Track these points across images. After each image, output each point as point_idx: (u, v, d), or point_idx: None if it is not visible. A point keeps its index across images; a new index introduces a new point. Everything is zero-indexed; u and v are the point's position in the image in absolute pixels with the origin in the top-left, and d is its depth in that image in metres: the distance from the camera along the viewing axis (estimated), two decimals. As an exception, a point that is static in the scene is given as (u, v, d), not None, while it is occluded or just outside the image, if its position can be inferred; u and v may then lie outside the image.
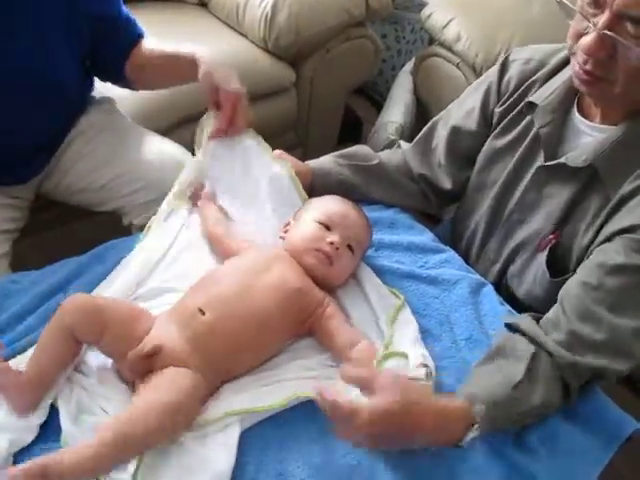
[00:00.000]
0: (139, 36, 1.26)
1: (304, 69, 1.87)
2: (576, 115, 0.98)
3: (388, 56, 2.59)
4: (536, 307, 1.00)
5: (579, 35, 0.86)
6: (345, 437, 0.76)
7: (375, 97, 2.63)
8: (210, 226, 1.02)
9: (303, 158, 1.21)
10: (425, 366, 0.86)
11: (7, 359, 0.80)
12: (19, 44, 1.10)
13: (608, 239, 0.89)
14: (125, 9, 1.26)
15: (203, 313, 0.83)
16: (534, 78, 1.04)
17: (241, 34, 1.87)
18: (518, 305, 1.03)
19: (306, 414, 0.81)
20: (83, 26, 1.17)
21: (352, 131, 2.37)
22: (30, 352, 0.81)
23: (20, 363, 0.80)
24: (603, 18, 0.81)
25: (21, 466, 0.67)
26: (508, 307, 1.02)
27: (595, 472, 0.85)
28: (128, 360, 0.78)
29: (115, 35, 1.22)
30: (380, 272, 1.04)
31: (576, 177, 0.95)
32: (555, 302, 0.91)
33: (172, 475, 0.73)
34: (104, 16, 1.20)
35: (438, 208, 1.25)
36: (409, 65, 2.03)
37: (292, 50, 1.80)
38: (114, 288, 0.92)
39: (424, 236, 1.15)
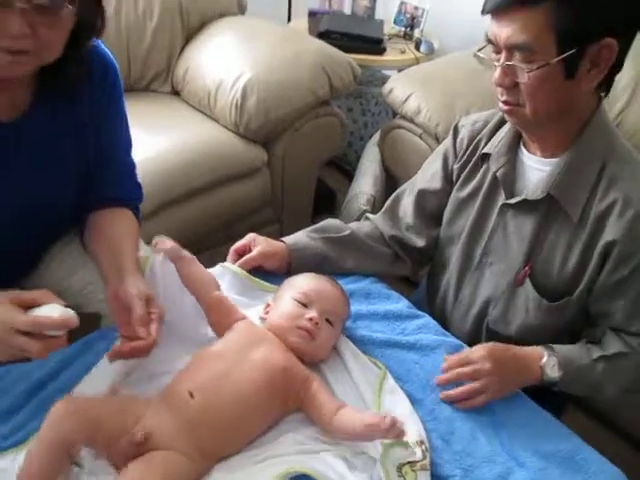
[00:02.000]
0: (119, 200, 1.19)
1: (275, 148, 1.94)
2: (524, 153, 1.09)
3: (355, 128, 2.71)
4: (529, 340, 1.08)
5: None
6: (478, 391, 0.98)
7: (346, 168, 2.73)
8: (212, 291, 1.01)
9: (280, 233, 1.26)
10: (422, 443, 0.89)
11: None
12: (36, 178, 1.09)
13: (603, 254, 1.01)
14: (132, 162, 1.24)
15: (192, 396, 0.86)
16: (481, 135, 1.17)
17: (213, 119, 1.95)
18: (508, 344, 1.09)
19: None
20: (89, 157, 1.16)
21: (326, 202, 2.45)
22: (24, 449, 0.82)
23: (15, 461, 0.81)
24: (502, 55, 0.97)
25: None
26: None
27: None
28: (119, 449, 0.79)
29: (105, 178, 1.18)
30: (360, 342, 1.07)
31: (537, 209, 1.06)
32: (548, 326, 1.07)
33: None
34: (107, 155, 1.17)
35: (412, 269, 1.30)
36: (375, 137, 2.12)
37: (263, 132, 1.88)
38: (104, 378, 0.93)
39: (400, 304, 1.19)
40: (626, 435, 1.50)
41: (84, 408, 0.81)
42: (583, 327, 1.11)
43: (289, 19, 2.89)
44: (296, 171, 2.02)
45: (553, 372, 1.03)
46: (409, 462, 0.86)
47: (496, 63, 0.98)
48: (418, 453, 0.87)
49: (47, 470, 0.77)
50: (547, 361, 1.03)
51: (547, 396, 1.05)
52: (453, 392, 1.00)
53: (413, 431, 0.90)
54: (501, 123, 1.15)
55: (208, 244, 1.86)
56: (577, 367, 1.03)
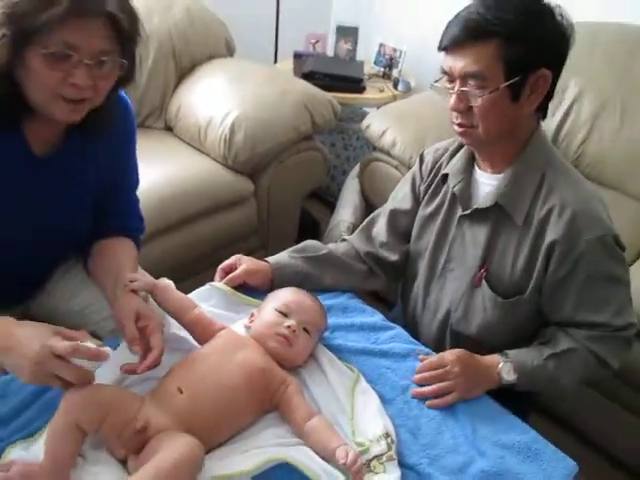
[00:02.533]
0: (123, 229, 1.29)
1: (261, 180, 2.07)
2: (477, 171, 1.23)
3: (338, 162, 2.85)
4: (489, 338, 1.22)
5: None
6: (437, 385, 1.10)
7: (329, 200, 2.85)
8: (191, 309, 1.11)
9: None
10: (387, 436, 0.99)
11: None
12: (59, 207, 1.19)
13: (547, 254, 1.13)
14: (137, 196, 1.35)
15: (181, 392, 0.95)
16: (442, 159, 1.31)
17: (204, 153, 2.07)
18: (471, 344, 1.20)
19: (282, 475, 0.92)
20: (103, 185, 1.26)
21: (311, 232, 2.56)
22: (39, 441, 0.91)
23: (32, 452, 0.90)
24: (457, 84, 1.11)
25: None
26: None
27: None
28: (122, 438, 0.88)
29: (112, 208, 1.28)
30: (337, 351, 1.17)
31: (488, 218, 1.19)
32: (504, 322, 1.20)
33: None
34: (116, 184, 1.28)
35: (386, 283, 1.41)
36: (355, 170, 2.26)
37: (249, 164, 2.00)
38: (104, 380, 1.02)
39: (374, 317, 1.30)
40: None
41: (94, 397, 0.90)
42: (538, 326, 1.22)
43: (275, 60, 3.04)
44: (281, 201, 2.14)
45: (509, 376, 1.14)
46: (375, 456, 0.96)
47: (451, 91, 1.12)
48: (383, 445, 0.97)
49: (68, 447, 0.87)
50: (503, 367, 1.14)
51: (511, 398, 1.16)
52: (425, 389, 1.10)
53: (380, 425, 1.00)
54: (458, 148, 1.29)
55: (198, 268, 1.95)
56: (530, 369, 1.14)
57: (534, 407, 1.38)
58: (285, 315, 1.10)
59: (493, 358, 1.16)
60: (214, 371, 1.00)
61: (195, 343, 1.11)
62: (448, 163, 1.28)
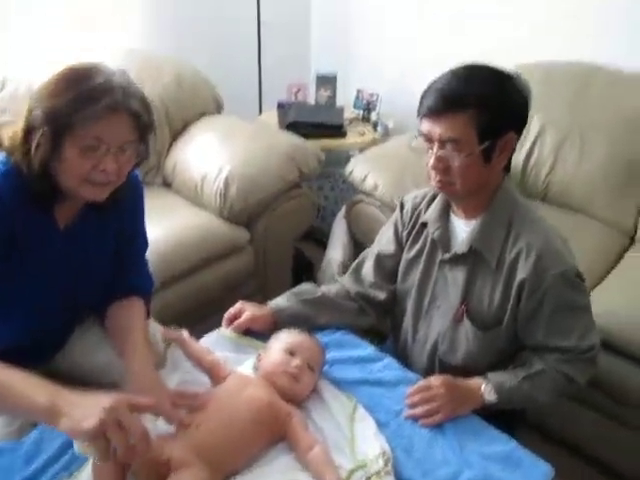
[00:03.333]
0: (134, 290, 1.41)
1: (256, 228, 2.22)
2: (453, 218, 1.38)
3: (327, 203, 3.02)
4: (473, 365, 1.36)
5: (427, 164, 1.29)
6: (426, 406, 1.23)
7: (320, 239, 3.00)
8: (206, 356, 1.29)
9: (266, 303, 1.51)
10: (384, 454, 1.13)
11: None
12: (82, 273, 1.32)
13: (518, 291, 1.28)
14: (145, 260, 1.48)
15: (198, 427, 1.09)
16: (420, 207, 1.46)
17: (201, 206, 2.21)
18: (458, 372, 1.34)
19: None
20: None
21: (306, 271, 2.71)
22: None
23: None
24: (435, 147, 1.25)
25: None
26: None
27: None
28: (148, 470, 1.02)
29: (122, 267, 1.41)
30: (336, 382, 1.31)
31: (466, 261, 1.34)
32: (486, 351, 1.34)
33: None
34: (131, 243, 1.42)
35: (377, 320, 1.56)
36: (342, 211, 2.42)
37: (244, 215, 2.16)
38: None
39: (367, 350, 1.44)
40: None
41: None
42: (516, 349, 1.37)
43: (260, 111, 3.23)
44: (275, 246, 2.29)
45: (490, 396, 1.29)
46: (375, 473, 1.09)
47: (431, 151, 1.26)
48: (380, 463, 1.11)
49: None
50: (485, 388, 1.29)
51: (497, 416, 1.30)
52: (416, 411, 1.24)
53: (377, 446, 1.15)
54: (434, 197, 1.44)
55: (201, 316, 2.07)
56: (508, 388, 1.29)
57: (521, 422, 1.53)
58: (291, 354, 1.25)
59: (475, 381, 1.31)
60: (226, 407, 1.14)
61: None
62: (426, 210, 1.43)
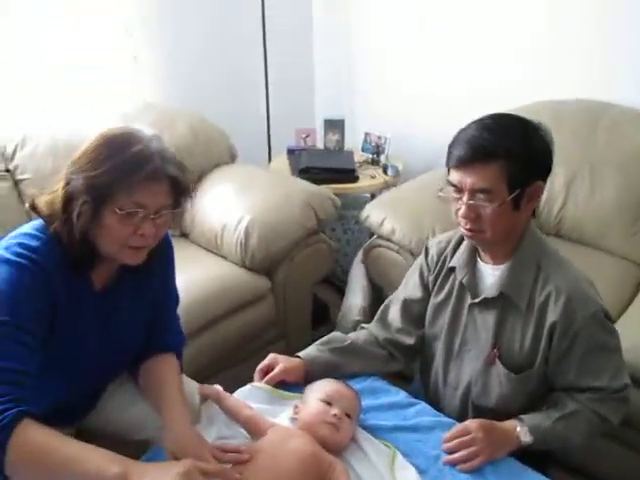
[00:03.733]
0: (166, 347, 1.43)
1: (276, 276, 2.24)
2: (480, 263, 1.41)
3: (339, 246, 3.05)
4: (506, 407, 1.38)
5: (456, 212, 1.32)
6: (465, 451, 1.25)
7: (335, 282, 3.05)
8: (243, 410, 1.30)
9: (286, 348, 1.53)
10: None
11: None
12: (118, 334, 1.35)
13: (549, 333, 1.31)
14: (177, 316, 1.50)
15: None
16: (446, 252, 1.49)
17: (221, 256, 2.25)
18: (491, 414, 1.36)
19: None
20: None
21: (321, 314, 2.73)
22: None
23: None
24: (465, 196, 1.28)
25: None
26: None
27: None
28: None
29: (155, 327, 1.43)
30: (371, 430, 1.33)
31: (495, 305, 1.37)
32: (519, 393, 1.36)
33: None
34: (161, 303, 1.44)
35: (405, 364, 1.58)
36: (359, 256, 2.45)
37: (265, 263, 2.18)
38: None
39: (399, 396, 1.46)
40: None
41: None
42: (546, 391, 1.38)
43: (269, 158, 3.29)
44: (295, 293, 2.31)
45: (526, 438, 1.30)
46: None
47: (459, 201, 1.29)
48: None
49: None
50: (520, 430, 1.30)
51: (530, 456, 1.32)
52: (456, 456, 1.26)
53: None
54: (460, 241, 1.47)
55: (226, 364, 2.11)
56: (543, 430, 1.31)
57: (552, 461, 1.53)
58: (329, 404, 1.27)
59: (511, 423, 1.32)
60: (272, 460, 1.16)
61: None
62: (453, 255, 1.46)
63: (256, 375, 1.46)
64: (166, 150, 1.22)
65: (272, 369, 1.45)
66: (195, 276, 2.11)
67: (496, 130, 1.27)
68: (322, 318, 2.72)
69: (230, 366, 2.13)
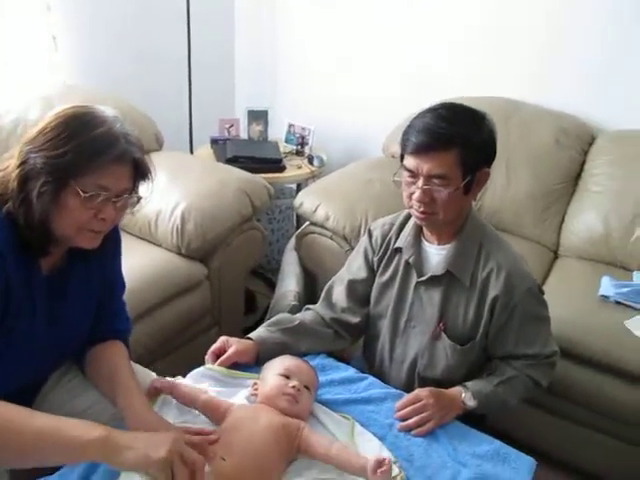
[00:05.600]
0: (115, 333, 1.40)
1: (212, 263, 2.23)
2: (425, 244, 1.50)
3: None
4: (450, 377, 1.48)
5: (410, 196, 1.40)
6: (417, 417, 1.33)
7: (259, 271, 3.09)
8: (201, 396, 1.31)
9: (219, 336, 1.51)
10: (396, 462, 1.22)
11: None
12: (67, 319, 1.30)
13: (491, 306, 1.41)
14: (123, 301, 1.48)
15: (224, 459, 1.13)
16: (390, 234, 1.57)
17: (155, 244, 2.20)
18: (436, 384, 1.45)
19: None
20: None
21: (248, 303, 2.75)
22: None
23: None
24: (420, 181, 1.35)
25: None
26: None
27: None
28: None
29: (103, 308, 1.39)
30: (327, 404, 1.38)
31: (441, 282, 1.46)
32: (463, 363, 1.46)
33: None
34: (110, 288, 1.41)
35: (351, 342, 1.65)
36: (291, 243, 2.50)
37: (202, 251, 2.17)
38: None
39: (348, 371, 1.52)
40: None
41: None
42: (484, 361, 1.50)
43: (191, 147, 3.25)
44: (230, 280, 2.31)
45: (471, 402, 1.41)
46: (393, 477, 1.18)
47: (413, 186, 1.36)
48: (396, 470, 1.20)
49: None
50: (465, 396, 1.42)
51: (468, 419, 1.42)
52: (410, 422, 1.34)
53: (387, 454, 1.23)
54: (404, 224, 1.56)
55: (162, 352, 2.08)
56: (485, 394, 1.42)
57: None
58: (287, 377, 1.31)
59: (457, 389, 1.43)
60: (247, 437, 1.18)
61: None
62: (397, 237, 1.55)
63: (208, 357, 1.47)
64: (130, 132, 1.20)
65: (224, 352, 1.47)
66: (130, 264, 1.99)
67: (452, 119, 1.34)
68: (249, 306, 2.74)
69: (165, 354, 2.11)
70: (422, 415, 1.35)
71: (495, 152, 1.41)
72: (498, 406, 1.47)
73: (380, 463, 1.14)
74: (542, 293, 1.48)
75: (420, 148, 1.34)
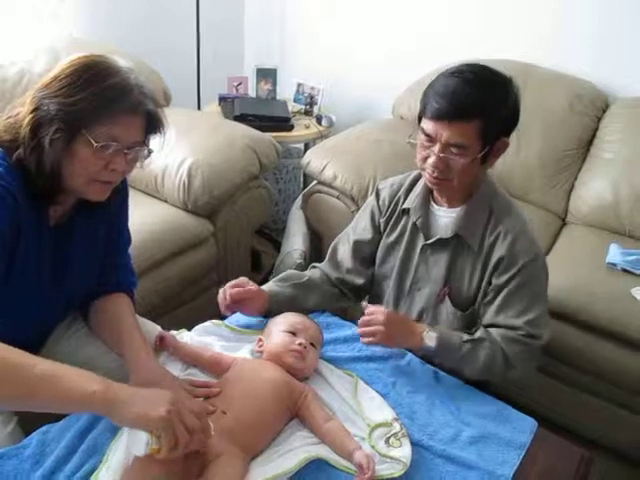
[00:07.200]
0: (120, 285, 1.40)
1: (218, 220, 2.23)
2: (434, 206, 1.48)
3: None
4: None
5: (424, 159, 1.36)
6: (369, 334, 1.33)
7: (264, 231, 3.08)
8: (206, 352, 1.32)
9: None
10: (397, 419, 1.22)
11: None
12: (74, 270, 1.30)
13: (494, 268, 1.38)
14: (129, 255, 1.46)
15: (225, 413, 1.13)
16: (399, 194, 1.54)
17: (162, 200, 2.20)
18: None
19: (315, 469, 1.12)
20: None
21: (255, 261, 2.76)
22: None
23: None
24: (437, 147, 1.31)
25: None
26: (428, 365, 1.42)
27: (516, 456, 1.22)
28: (186, 462, 1.03)
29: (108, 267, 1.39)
30: (332, 361, 1.39)
31: (448, 245, 1.44)
32: (463, 329, 1.41)
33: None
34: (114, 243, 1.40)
35: (355, 302, 1.64)
36: (298, 202, 2.49)
37: (208, 207, 2.16)
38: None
39: (352, 330, 1.51)
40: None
41: None
42: None
43: (199, 104, 3.22)
44: (236, 238, 2.31)
45: (430, 341, 1.36)
46: (393, 434, 1.19)
47: (430, 150, 1.31)
48: (397, 427, 1.20)
49: None
50: (427, 333, 1.36)
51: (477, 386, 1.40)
52: (358, 330, 1.37)
53: (389, 412, 1.24)
54: (412, 184, 1.53)
55: (166, 308, 2.09)
56: (448, 343, 1.37)
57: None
58: (294, 334, 1.32)
59: (423, 325, 1.40)
60: (248, 391, 1.19)
61: None
62: (406, 198, 1.52)
63: (228, 286, 1.44)
64: (144, 85, 1.18)
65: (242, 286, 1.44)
66: (136, 219, 1.97)
67: (479, 85, 1.27)
68: (256, 265, 2.75)
69: (170, 310, 2.12)
70: (367, 328, 1.35)
71: (517, 122, 1.35)
72: (454, 364, 1.39)
73: (365, 467, 1.10)
74: (546, 268, 1.43)
75: (442, 114, 1.28)
